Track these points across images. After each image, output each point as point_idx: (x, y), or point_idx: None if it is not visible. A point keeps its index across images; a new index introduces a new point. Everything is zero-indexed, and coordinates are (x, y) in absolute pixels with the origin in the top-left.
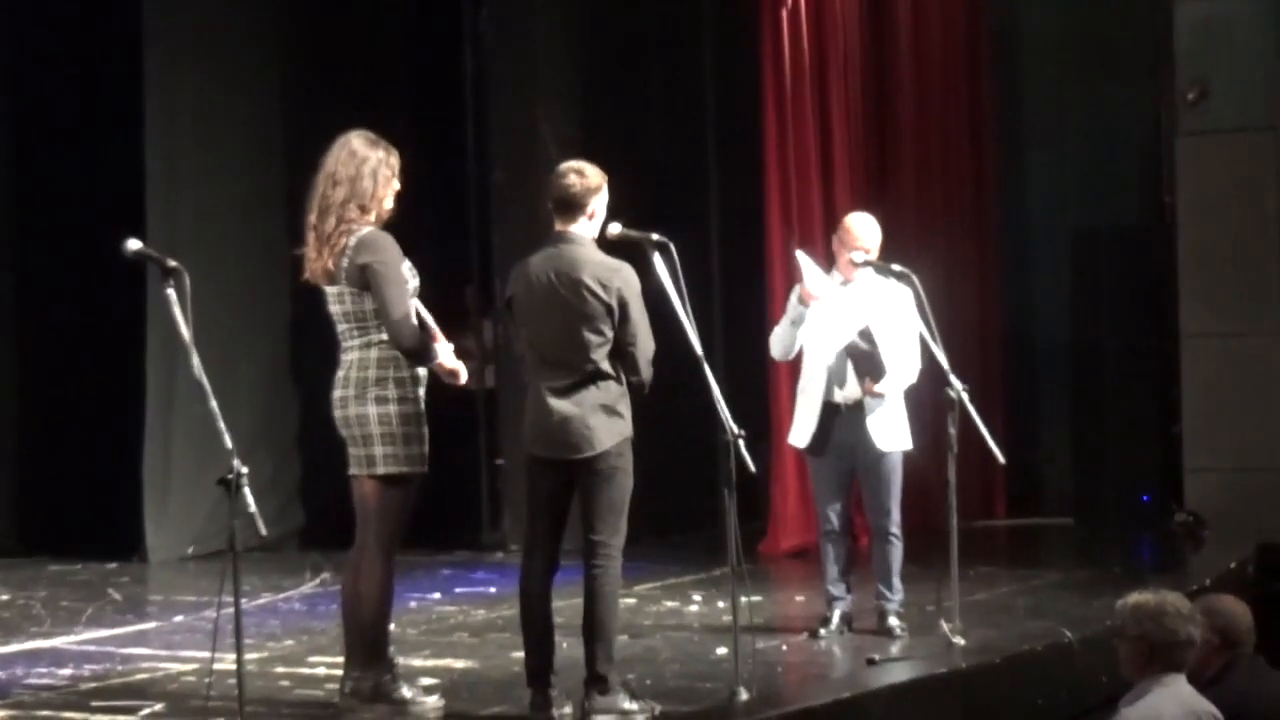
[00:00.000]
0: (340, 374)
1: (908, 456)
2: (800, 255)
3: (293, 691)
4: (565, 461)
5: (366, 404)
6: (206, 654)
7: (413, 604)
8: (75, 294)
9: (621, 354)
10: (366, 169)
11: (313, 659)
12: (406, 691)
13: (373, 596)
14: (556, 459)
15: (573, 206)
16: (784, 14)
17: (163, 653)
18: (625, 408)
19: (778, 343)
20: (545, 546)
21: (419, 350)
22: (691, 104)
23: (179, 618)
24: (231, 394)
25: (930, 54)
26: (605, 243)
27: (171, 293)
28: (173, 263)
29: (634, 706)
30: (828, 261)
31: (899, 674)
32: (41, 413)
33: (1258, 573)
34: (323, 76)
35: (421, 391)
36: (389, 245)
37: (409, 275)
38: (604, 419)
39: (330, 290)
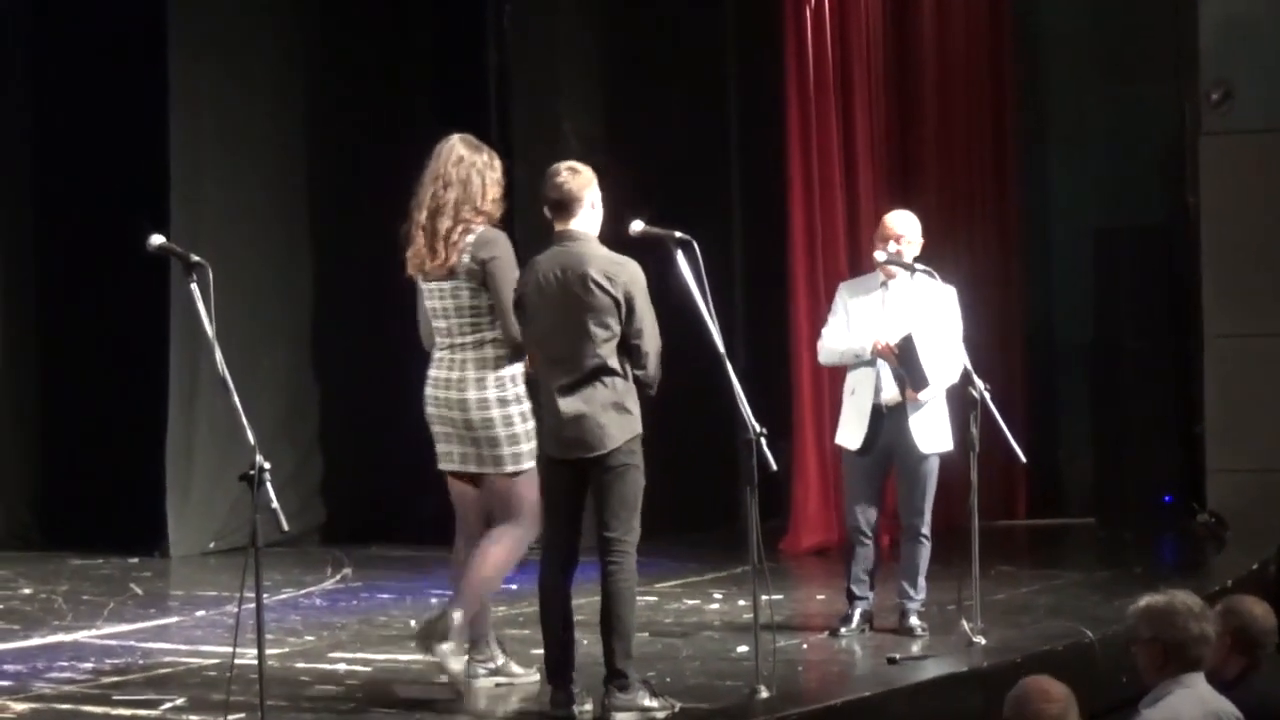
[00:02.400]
0: (445, 371)
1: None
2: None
3: (313, 687)
4: (578, 460)
5: (490, 407)
6: (228, 649)
7: (434, 600)
8: (98, 289)
9: (628, 349)
10: (474, 171)
11: (334, 654)
12: (514, 666)
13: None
14: (569, 458)
15: (570, 203)
16: (808, 11)
17: (184, 647)
18: (634, 404)
19: (827, 355)
20: (563, 544)
21: (522, 346)
22: (714, 100)
23: (200, 612)
24: (254, 389)
25: (954, 52)
26: (626, 240)
27: (195, 287)
28: (196, 258)
29: (654, 704)
30: (848, 262)
31: (919, 673)
32: (64, 407)
33: None
34: (346, 74)
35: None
36: (506, 245)
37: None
38: (614, 416)
39: (443, 285)
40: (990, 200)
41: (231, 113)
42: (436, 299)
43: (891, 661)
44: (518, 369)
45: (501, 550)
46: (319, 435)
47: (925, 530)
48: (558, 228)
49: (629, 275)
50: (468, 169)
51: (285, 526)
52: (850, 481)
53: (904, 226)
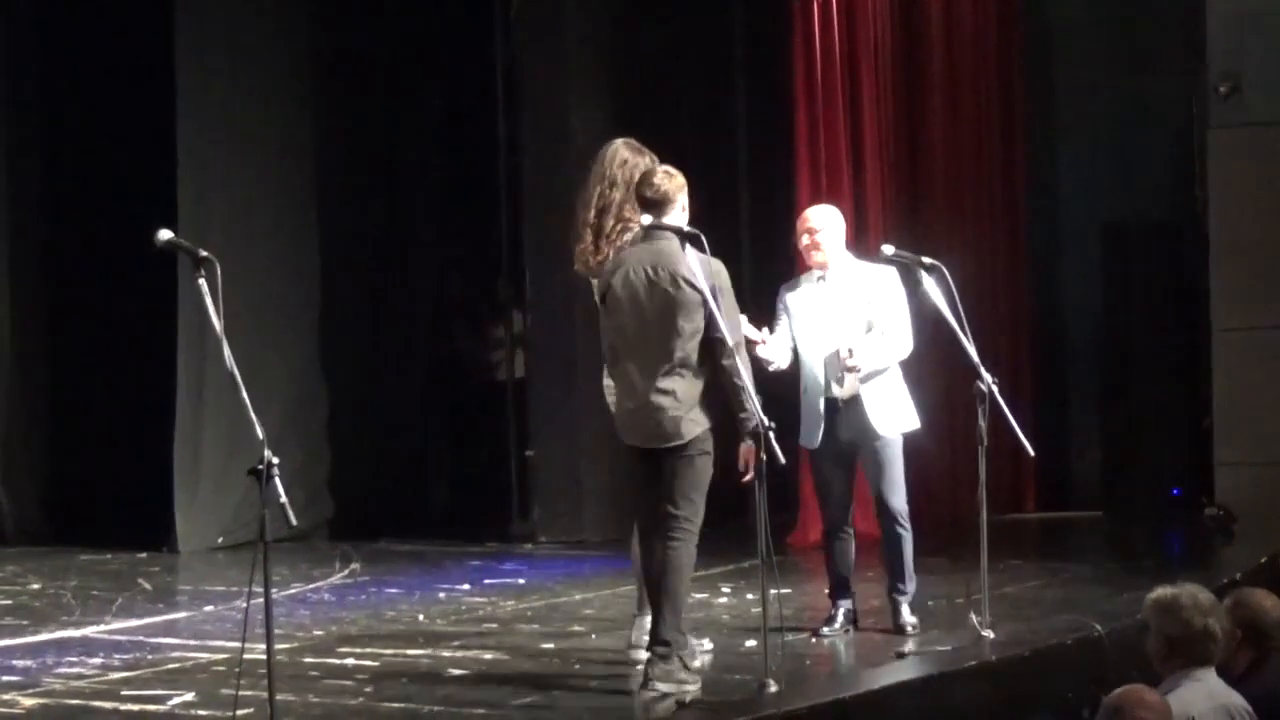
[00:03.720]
0: None
1: (926, 448)
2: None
3: (322, 681)
4: (656, 450)
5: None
6: (236, 644)
7: (442, 595)
8: (107, 285)
9: (712, 342)
10: (638, 172)
11: (342, 649)
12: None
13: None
14: (648, 448)
15: (664, 204)
16: (815, 4)
17: (192, 642)
18: (709, 398)
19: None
20: (651, 529)
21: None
22: (722, 94)
23: (209, 607)
24: (262, 384)
25: (962, 45)
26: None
27: (203, 283)
28: (204, 253)
29: (687, 677)
30: (855, 250)
31: (928, 667)
32: (73, 403)
33: None
34: (353, 71)
35: None
36: None
37: None
38: (693, 409)
39: (594, 279)
40: (998, 193)
41: (239, 109)
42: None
43: (900, 656)
44: None
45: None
46: (327, 430)
47: (901, 520)
48: (647, 223)
49: (714, 272)
50: (631, 170)
51: (293, 521)
52: (818, 480)
53: (821, 220)
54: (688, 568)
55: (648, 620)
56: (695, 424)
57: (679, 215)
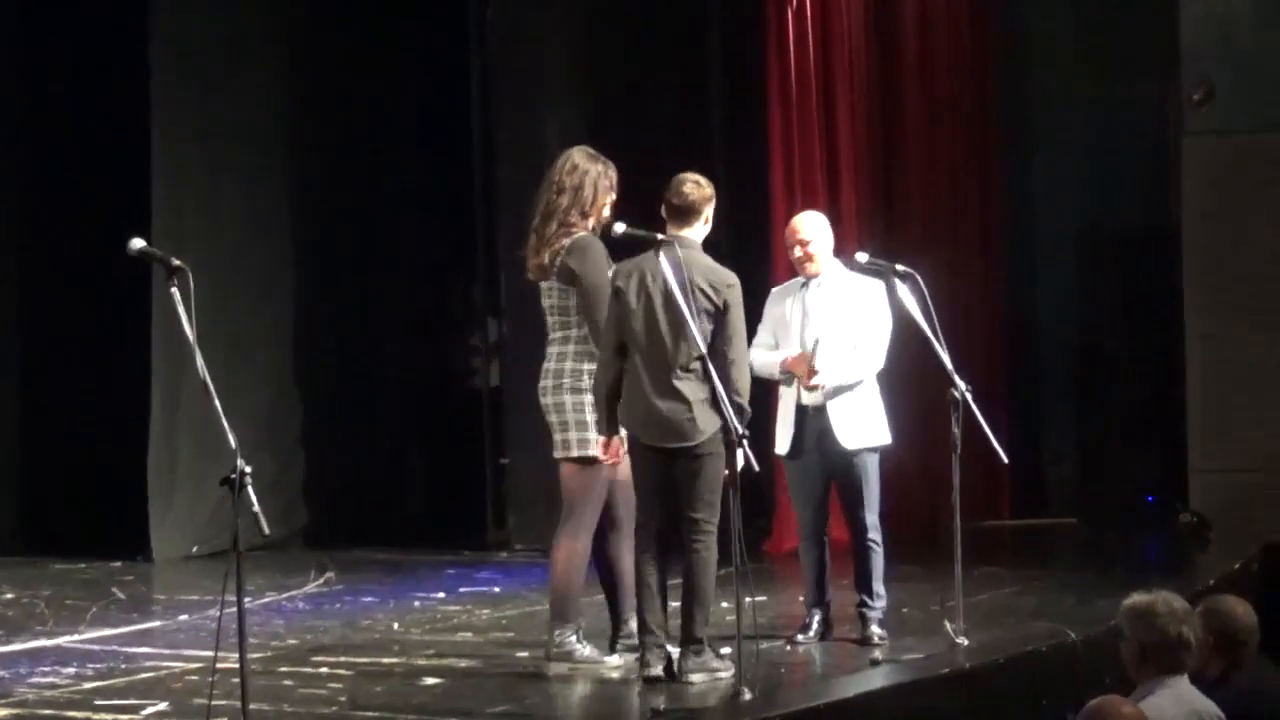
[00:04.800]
0: (544, 365)
1: (900, 455)
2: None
3: (296, 691)
4: (668, 448)
5: (563, 393)
6: (210, 653)
7: (417, 603)
8: (81, 294)
9: (716, 354)
10: (589, 179)
11: (316, 658)
12: (587, 650)
13: (558, 562)
14: (660, 446)
15: (689, 213)
16: (789, 12)
17: (166, 652)
18: (717, 399)
19: (756, 370)
20: (653, 522)
21: (604, 346)
22: (697, 102)
23: (183, 617)
24: (236, 393)
25: (936, 53)
26: (609, 240)
27: (176, 291)
28: (177, 261)
29: (720, 665)
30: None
31: (902, 675)
32: (47, 412)
33: (1262, 573)
34: (327, 79)
35: None
36: (599, 251)
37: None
38: (704, 410)
39: (542, 285)
40: (973, 200)
41: (213, 117)
42: (544, 297)
43: (874, 663)
44: (596, 364)
45: (564, 555)
46: (301, 439)
47: (874, 535)
48: (671, 231)
49: (729, 286)
50: (581, 176)
51: (267, 530)
52: (792, 488)
53: (811, 230)
54: (712, 565)
55: (565, 630)
56: (705, 425)
57: (702, 227)
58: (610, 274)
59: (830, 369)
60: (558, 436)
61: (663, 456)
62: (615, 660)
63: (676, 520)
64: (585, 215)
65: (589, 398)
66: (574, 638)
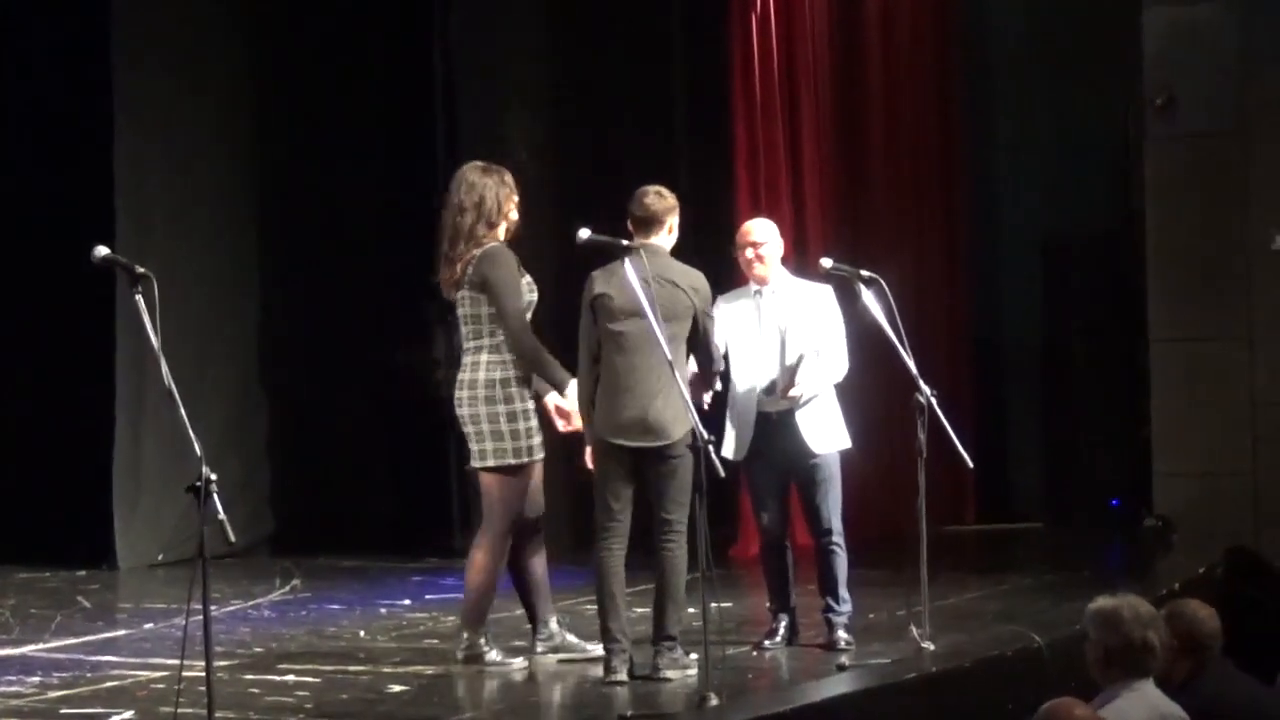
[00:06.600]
0: (459, 375)
1: (865, 460)
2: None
3: (263, 699)
4: (640, 449)
5: (478, 404)
6: (176, 661)
7: (383, 610)
8: (45, 301)
9: (698, 346)
10: (488, 192)
11: (282, 666)
12: (495, 654)
13: (476, 568)
14: (632, 445)
15: (653, 223)
16: (753, 20)
17: (132, 660)
18: (690, 401)
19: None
20: (618, 524)
21: (530, 356)
22: (661, 109)
23: (149, 625)
24: (201, 401)
25: (900, 60)
26: (575, 246)
27: (140, 299)
28: (141, 269)
29: (690, 660)
30: (795, 273)
31: (868, 679)
32: (11, 420)
33: (1226, 576)
34: (292, 85)
35: (528, 393)
36: (508, 259)
37: (526, 290)
38: (678, 410)
39: (456, 296)
40: (937, 206)
41: (177, 124)
42: (458, 308)
43: (841, 668)
44: (519, 375)
45: (479, 560)
46: (267, 446)
47: (836, 539)
48: (638, 240)
49: (705, 285)
50: (480, 191)
51: (232, 538)
52: (752, 493)
53: (762, 233)
54: (684, 564)
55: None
56: (679, 426)
57: (666, 236)
58: (589, 281)
59: (806, 378)
60: (474, 446)
61: (634, 457)
62: (521, 662)
63: (646, 522)
64: (493, 225)
65: (504, 408)
66: (483, 641)
